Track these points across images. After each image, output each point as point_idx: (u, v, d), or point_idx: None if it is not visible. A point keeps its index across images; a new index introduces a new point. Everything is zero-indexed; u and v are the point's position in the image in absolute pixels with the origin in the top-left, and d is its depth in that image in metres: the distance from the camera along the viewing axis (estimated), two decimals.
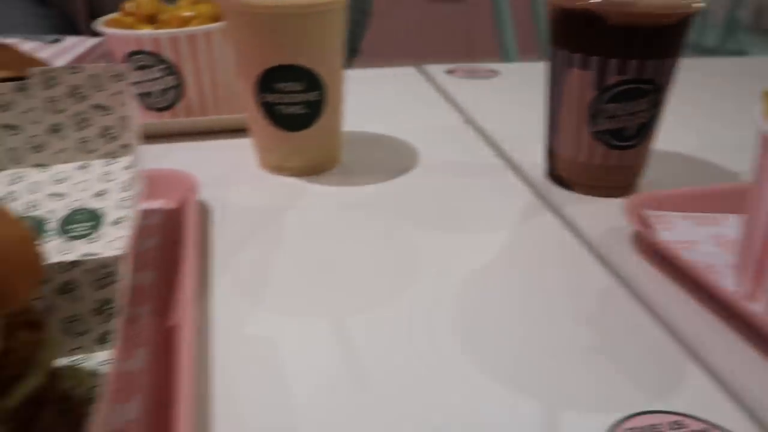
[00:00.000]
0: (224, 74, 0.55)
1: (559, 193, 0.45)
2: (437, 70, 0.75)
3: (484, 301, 0.34)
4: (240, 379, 0.28)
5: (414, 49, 0.87)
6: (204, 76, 0.54)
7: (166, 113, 0.55)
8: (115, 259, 0.30)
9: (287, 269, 0.36)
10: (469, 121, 0.59)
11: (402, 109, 0.63)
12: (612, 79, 0.40)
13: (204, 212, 0.42)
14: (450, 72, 0.75)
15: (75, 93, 0.39)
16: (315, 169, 0.48)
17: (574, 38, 0.41)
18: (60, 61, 0.58)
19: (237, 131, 0.54)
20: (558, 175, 0.46)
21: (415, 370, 0.28)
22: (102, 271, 0.30)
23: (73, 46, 0.64)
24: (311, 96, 0.44)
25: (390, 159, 0.51)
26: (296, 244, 0.39)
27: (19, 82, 0.38)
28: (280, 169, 0.48)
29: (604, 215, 0.42)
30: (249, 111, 0.46)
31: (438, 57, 0.82)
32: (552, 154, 0.46)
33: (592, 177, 0.44)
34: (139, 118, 0.35)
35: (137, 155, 0.33)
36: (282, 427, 0.25)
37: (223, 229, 0.40)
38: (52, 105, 0.39)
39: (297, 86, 0.43)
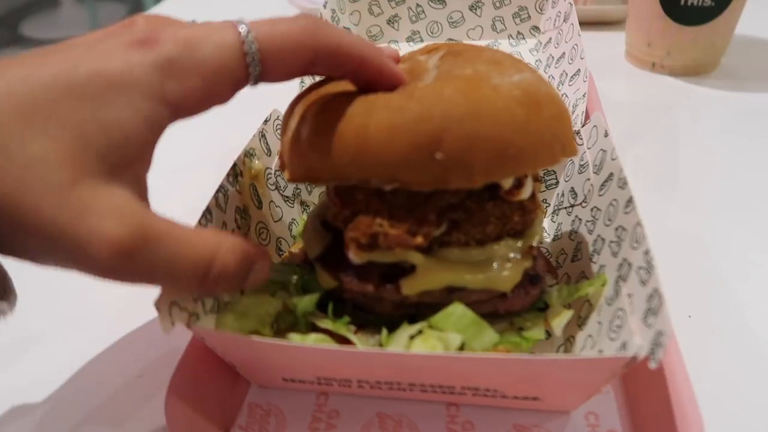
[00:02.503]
0: None
1: None
2: None
3: None
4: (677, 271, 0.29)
5: None
6: None
7: None
8: None
9: (691, 169, 0.36)
10: None
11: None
12: None
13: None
14: None
15: None
16: (694, 69, 0.45)
17: None
18: None
19: (598, 23, 0.54)
20: None
21: None
22: None
23: None
24: None
25: None
26: (695, 145, 0.38)
27: None
28: (656, 66, 0.46)
29: None
30: (640, 1, 0.44)
31: None
32: None
33: None
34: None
35: (580, 41, 0.34)
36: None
37: (613, 123, 0.40)
38: None
39: None
